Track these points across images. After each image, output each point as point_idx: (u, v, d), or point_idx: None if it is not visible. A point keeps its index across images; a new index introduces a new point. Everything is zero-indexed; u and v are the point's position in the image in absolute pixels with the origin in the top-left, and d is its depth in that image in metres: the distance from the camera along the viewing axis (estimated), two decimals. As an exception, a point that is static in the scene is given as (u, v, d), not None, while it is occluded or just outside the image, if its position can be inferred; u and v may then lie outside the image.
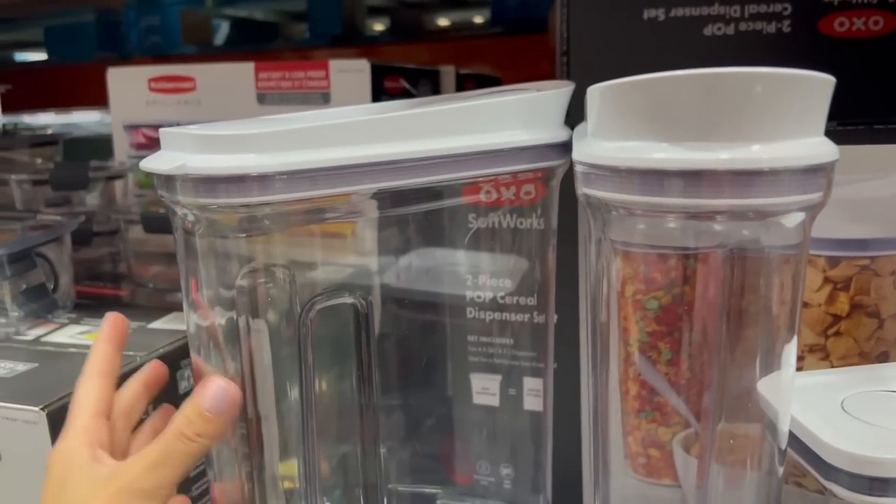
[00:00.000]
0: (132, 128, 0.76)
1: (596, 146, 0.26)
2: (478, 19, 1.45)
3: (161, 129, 0.32)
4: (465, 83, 0.85)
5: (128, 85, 0.75)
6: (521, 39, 1.19)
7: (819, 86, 0.25)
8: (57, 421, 0.42)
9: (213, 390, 0.33)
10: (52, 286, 0.58)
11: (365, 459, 0.44)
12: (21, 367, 0.48)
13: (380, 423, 0.49)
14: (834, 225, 0.41)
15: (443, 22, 1.54)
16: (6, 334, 0.54)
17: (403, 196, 0.35)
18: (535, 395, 0.49)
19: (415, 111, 0.31)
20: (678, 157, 0.24)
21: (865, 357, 0.42)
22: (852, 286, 0.42)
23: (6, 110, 1.51)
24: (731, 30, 0.62)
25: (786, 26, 0.61)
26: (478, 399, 0.50)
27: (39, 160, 0.80)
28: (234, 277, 0.34)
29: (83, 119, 1.01)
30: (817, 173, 0.25)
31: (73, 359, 0.49)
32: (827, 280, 0.42)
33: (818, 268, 0.42)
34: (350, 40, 1.38)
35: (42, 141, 0.79)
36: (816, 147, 0.25)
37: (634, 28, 0.63)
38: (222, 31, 1.60)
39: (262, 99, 0.71)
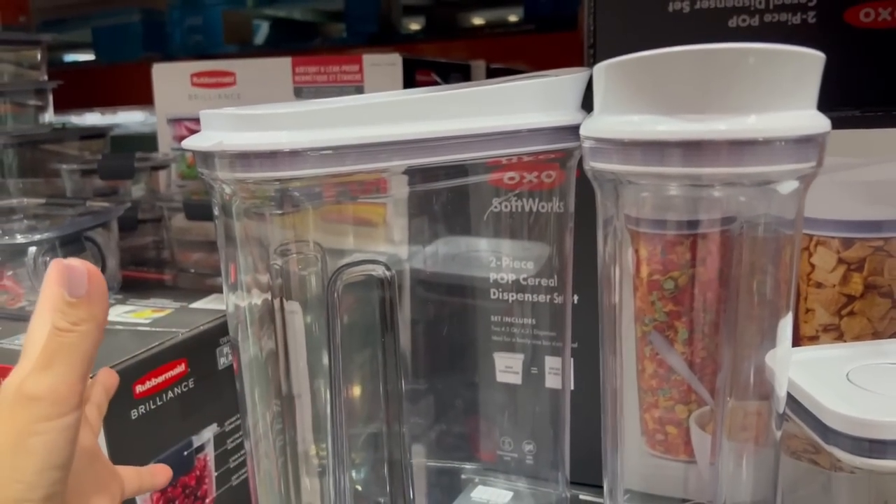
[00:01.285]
0: (175, 121, 0.79)
1: (601, 121, 0.28)
2: (512, 17, 1.47)
3: (201, 112, 0.34)
4: (497, 75, 0.86)
5: (171, 80, 0.79)
6: (555, 37, 1.20)
7: (810, 61, 0.26)
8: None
9: (70, 275, 0.29)
10: (100, 268, 0.61)
11: (390, 436, 0.47)
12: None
13: (409, 403, 0.51)
14: (848, 206, 0.42)
15: (477, 20, 1.56)
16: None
17: (430, 173, 0.37)
18: (555, 373, 0.51)
19: (437, 93, 0.33)
20: (678, 128, 0.26)
21: (879, 336, 0.43)
22: (866, 267, 0.42)
23: (57, 109, 1.57)
24: (755, 21, 0.63)
25: (811, 17, 0.62)
26: (501, 377, 0.52)
27: (88, 153, 0.83)
28: (269, 256, 0.36)
29: (128, 119, 1.05)
30: (809, 143, 0.26)
31: (119, 335, 0.52)
32: (841, 261, 0.43)
33: (832, 249, 0.43)
34: (386, 39, 1.41)
35: (91, 134, 0.82)
36: (809, 119, 0.27)
37: (659, 20, 0.64)
38: (262, 31, 1.64)
39: (298, 93, 0.73)
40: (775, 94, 0.26)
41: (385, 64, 0.70)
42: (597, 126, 0.28)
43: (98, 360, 0.47)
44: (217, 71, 0.76)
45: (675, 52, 0.26)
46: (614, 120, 0.27)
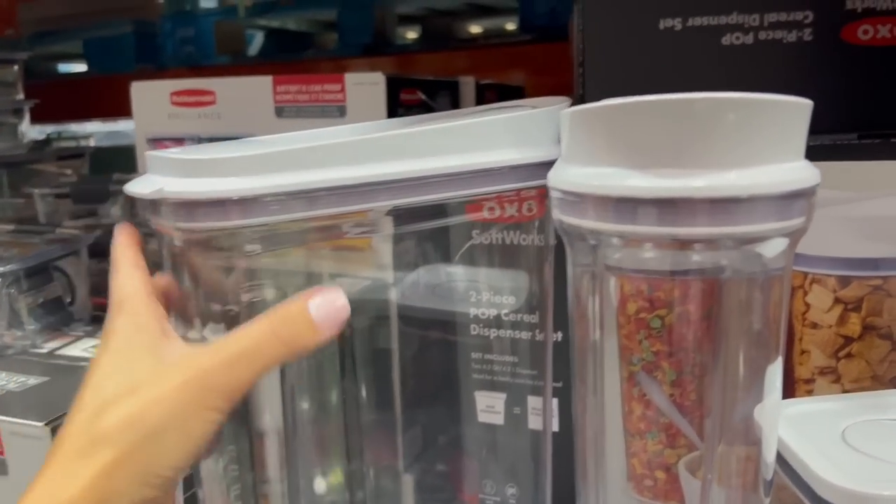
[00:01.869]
0: (155, 141, 0.77)
1: (568, 171, 0.26)
2: (510, 27, 1.45)
3: (147, 153, 0.32)
4: (486, 93, 0.84)
5: (151, 98, 0.77)
6: (552, 47, 1.18)
7: (795, 109, 0.24)
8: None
9: (326, 297, 0.29)
10: (69, 299, 0.59)
11: (352, 479, 0.44)
12: (32, 380, 0.49)
13: (392, 441, 0.49)
14: (845, 243, 0.40)
15: (475, 29, 1.54)
16: (22, 347, 0.55)
17: (402, 215, 0.35)
18: (538, 414, 0.48)
19: (393, 132, 0.31)
20: (652, 184, 0.23)
21: (878, 380, 0.41)
22: (864, 307, 0.40)
23: (51, 120, 1.55)
24: (749, 39, 0.61)
25: (807, 35, 0.60)
26: (483, 417, 0.49)
27: (70, 171, 0.81)
28: (224, 299, 0.34)
29: (127, 127, 1.03)
30: (797, 198, 0.24)
31: (79, 372, 0.50)
32: (838, 300, 0.40)
33: (828, 288, 0.40)
34: (381, 49, 1.39)
35: (69, 154, 0.80)
36: (796, 172, 0.24)
37: (650, 38, 0.62)
38: (257, 42, 1.62)
39: (280, 112, 0.71)
40: (758, 147, 0.23)
41: (368, 83, 0.67)
42: (563, 176, 0.26)
43: (53, 404, 0.45)
44: (197, 90, 0.74)
45: (648, 101, 0.24)
46: (582, 171, 0.25)
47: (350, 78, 0.68)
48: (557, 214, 0.26)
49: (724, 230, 0.24)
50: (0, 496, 0.46)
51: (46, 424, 0.43)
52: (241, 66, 1.50)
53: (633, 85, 0.63)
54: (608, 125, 0.24)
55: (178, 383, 0.27)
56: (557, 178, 0.26)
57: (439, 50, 1.43)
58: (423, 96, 0.73)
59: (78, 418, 0.28)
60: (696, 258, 0.26)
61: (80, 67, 1.69)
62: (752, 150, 0.23)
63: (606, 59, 0.63)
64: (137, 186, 0.30)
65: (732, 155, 0.23)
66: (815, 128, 0.57)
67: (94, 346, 0.55)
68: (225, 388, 0.27)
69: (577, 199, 0.25)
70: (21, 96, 0.78)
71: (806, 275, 0.41)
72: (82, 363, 0.52)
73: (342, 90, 0.68)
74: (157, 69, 1.50)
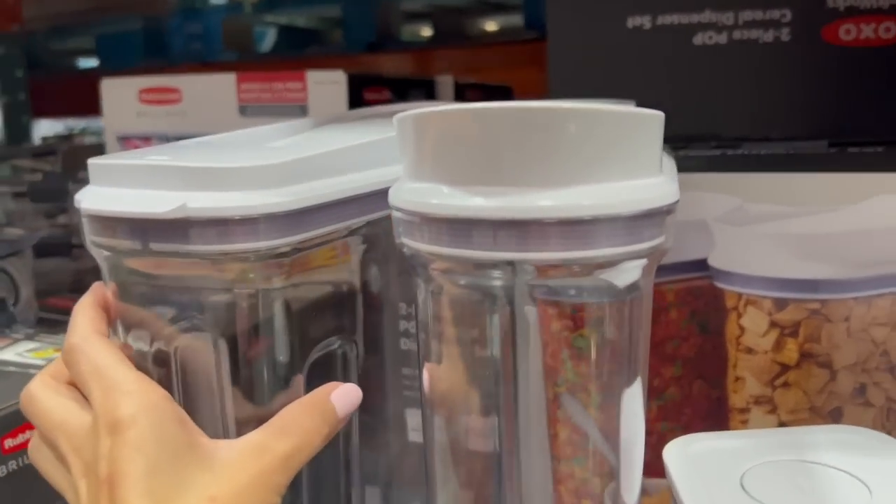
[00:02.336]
0: (124, 139, 0.76)
1: (407, 188, 0.23)
2: (519, 23, 1.42)
3: (91, 161, 0.28)
4: (468, 93, 0.81)
5: (120, 96, 0.76)
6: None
7: (646, 122, 0.21)
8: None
9: (345, 388, 0.29)
10: (12, 300, 0.58)
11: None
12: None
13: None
14: (781, 262, 0.37)
15: (488, 27, 1.52)
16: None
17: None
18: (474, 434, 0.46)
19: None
20: (486, 204, 0.21)
21: (816, 413, 0.37)
22: (801, 332, 0.37)
23: (65, 115, 1.56)
24: (723, 38, 0.57)
25: (785, 34, 0.56)
26: (413, 437, 0.47)
27: (49, 168, 0.81)
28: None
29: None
30: (649, 219, 0.21)
31: (10, 377, 0.49)
32: (774, 324, 0.37)
33: (763, 310, 0.37)
34: (385, 46, 1.37)
35: (43, 151, 0.80)
36: (648, 189, 0.21)
37: (619, 36, 0.59)
38: (267, 38, 1.62)
39: (243, 111, 0.70)
40: (605, 163, 0.20)
41: (329, 82, 0.65)
42: (401, 194, 0.23)
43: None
44: (163, 87, 0.73)
45: (482, 109, 0.21)
46: (414, 187, 0.22)
47: (311, 76, 0.66)
48: (400, 238, 0.24)
49: (564, 255, 0.21)
50: None
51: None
52: (247, 62, 1.49)
53: (600, 86, 0.60)
54: (444, 134, 0.22)
55: (243, 486, 0.25)
56: (397, 196, 0.23)
57: (445, 47, 1.41)
58: (390, 96, 0.70)
59: None
60: (549, 283, 0.23)
61: (94, 63, 1.70)
62: (599, 166, 0.21)
63: (572, 58, 0.60)
64: (113, 204, 0.26)
65: (574, 171, 0.21)
66: (789, 134, 0.54)
67: (28, 351, 0.54)
68: (281, 488, 0.26)
69: (411, 219, 0.22)
70: (-6, 93, 0.77)
71: (740, 295, 0.38)
72: (10, 367, 0.51)
73: (304, 89, 0.67)
74: (165, 65, 1.50)
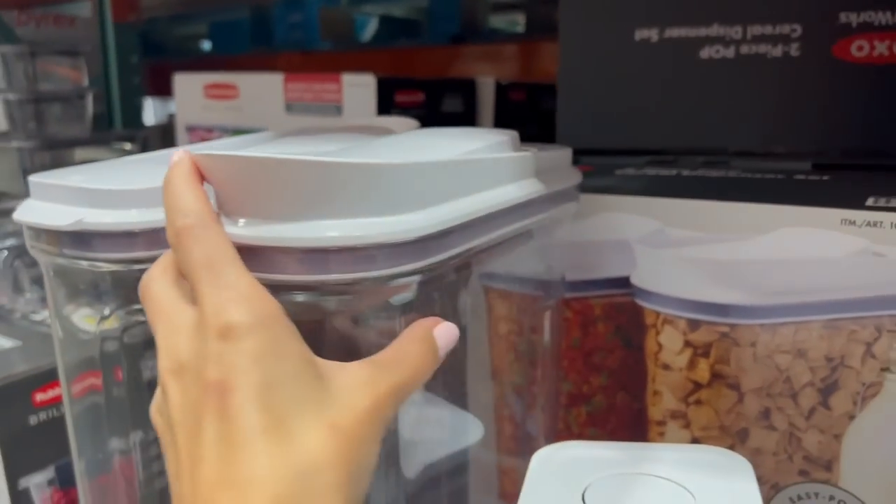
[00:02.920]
0: (191, 129, 0.84)
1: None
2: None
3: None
4: (510, 93, 0.84)
5: (188, 90, 0.83)
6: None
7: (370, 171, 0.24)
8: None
9: (446, 325, 0.27)
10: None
11: None
12: (9, 343, 0.56)
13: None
14: (695, 285, 0.38)
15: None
16: (23, 313, 0.62)
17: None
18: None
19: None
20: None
21: (725, 431, 0.39)
22: (712, 353, 0.38)
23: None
24: (731, 52, 0.58)
25: (794, 49, 0.56)
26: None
27: (128, 145, 0.90)
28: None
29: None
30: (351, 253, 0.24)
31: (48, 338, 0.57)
32: (688, 343, 0.39)
33: (679, 330, 0.39)
34: (469, 38, 1.39)
35: (125, 136, 0.89)
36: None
37: (626, 49, 0.60)
38: (368, 28, 1.68)
39: (289, 108, 0.75)
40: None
41: (360, 85, 0.70)
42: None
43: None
44: (224, 84, 0.80)
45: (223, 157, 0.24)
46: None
47: (346, 79, 0.71)
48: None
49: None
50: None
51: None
52: (341, 51, 1.56)
53: (607, 97, 0.62)
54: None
55: (360, 415, 0.23)
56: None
57: (537, 39, 1.42)
58: (423, 98, 0.74)
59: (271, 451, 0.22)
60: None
61: (207, 48, 1.83)
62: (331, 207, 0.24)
63: (581, 68, 0.62)
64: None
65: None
66: (796, 150, 0.54)
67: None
68: (389, 420, 0.25)
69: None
70: (86, 83, 0.87)
71: (658, 314, 0.40)
72: (80, 324, 0.59)
73: (339, 90, 0.71)
74: (270, 52, 1.60)
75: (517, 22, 1.57)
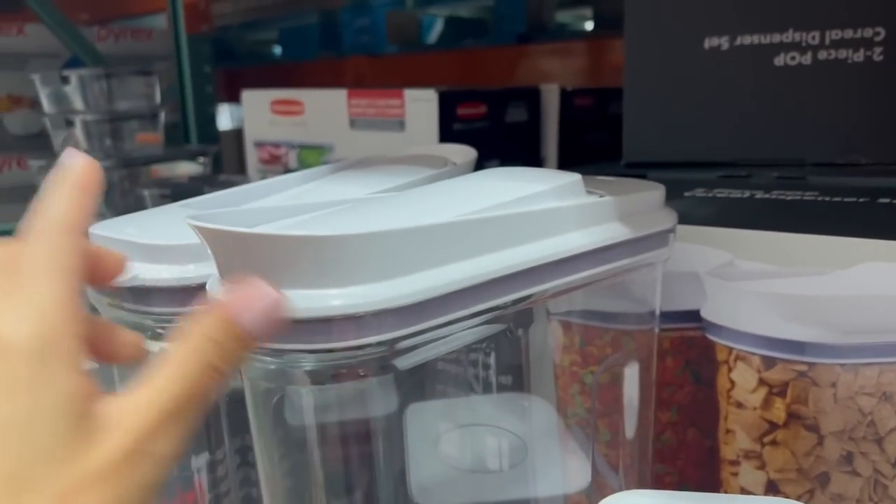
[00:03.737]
0: (259, 145, 0.85)
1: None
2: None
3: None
4: (575, 100, 0.82)
5: (256, 106, 0.84)
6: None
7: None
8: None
9: (251, 299, 0.22)
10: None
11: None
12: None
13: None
14: (769, 321, 0.36)
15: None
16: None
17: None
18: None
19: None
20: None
21: (804, 475, 0.37)
22: (789, 393, 0.36)
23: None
24: (807, 59, 0.55)
25: (877, 54, 0.53)
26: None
27: (201, 159, 0.92)
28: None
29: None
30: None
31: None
32: (762, 382, 0.37)
33: (752, 367, 0.37)
34: (536, 37, 1.37)
35: (200, 152, 0.91)
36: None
37: (695, 57, 0.58)
38: (434, 30, 1.67)
39: (353, 124, 0.76)
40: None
41: (423, 99, 0.70)
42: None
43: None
44: (289, 100, 0.81)
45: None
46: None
47: (408, 94, 0.71)
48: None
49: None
50: None
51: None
52: (407, 54, 1.56)
53: (676, 108, 0.59)
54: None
55: (111, 461, 0.20)
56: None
57: (608, 36, 1.39)
58: (486, 110, 0.73)
59: None
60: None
61: (277, 53, 1.85)
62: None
63: (648, 78, 0.60)
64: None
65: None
66: (880, 160, 0.51)
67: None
68: (171, 451, 0.21)
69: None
70: (158, 101, 0.89)
71: (730, 350, 0.38)
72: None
73: (402, 105, 0.71)
74: (337, 57, 1.61)
75: (585, 17, 1.54)
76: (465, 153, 0.40)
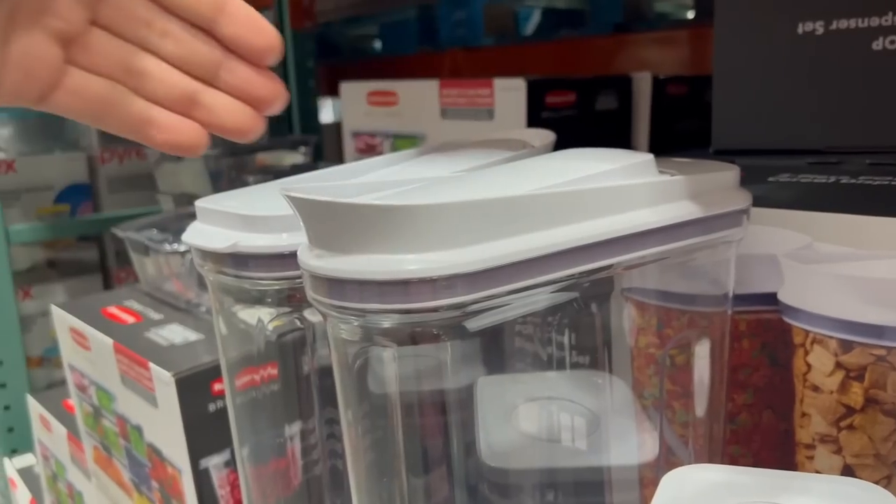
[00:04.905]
0: (356, 134, 0.89)
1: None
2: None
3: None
4: (668, 89, 0.82)
5: (353, 97, 0.88)
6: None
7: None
8: (184, 386, 0.55)
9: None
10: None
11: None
12: (193, 336, 0.63)
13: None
14: (847, 304, 0.36)
15: None
16: (207, 308, 0.69)
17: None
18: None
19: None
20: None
21: (882, 461, 0.36)
22: (867, 377, 0.36)
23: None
24: (908, 43, 0.53)
25: None
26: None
27: (302, 149, 0.96)
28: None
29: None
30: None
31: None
32: (839, 365, 0.37)
33: (829, 350, 0.37)
34: (634, 27, 1.36)
35: (301, 141, 0.95)
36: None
37: (788, 43, 0.57)
38: (530, 20, 1.68)
39: (444, 113, 0.78)
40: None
41: (511, 88, 0.71)
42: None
43: (190, 356, 0.57)
44: (384, 91, 0.84)
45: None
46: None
47: (497, 83, 0.72)
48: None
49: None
50: (152, 424, 0.60)
51: (173, 376, 0.55)
52: (504, 46, 1.57)
53: (767, 94, 0.59)
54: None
55: None
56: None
57: (699, 24, 1.36)
58: (575, 98, 0.74)
59: None
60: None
61: (378, 48, 1.90)
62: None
63: (738, 64, 0.59)
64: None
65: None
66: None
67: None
68: None
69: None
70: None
71: (807, 333, 0.38)
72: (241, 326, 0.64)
73: (491, 95, 0.73)
74: (435, 50, 1.64)
75: (685, 5, 1.51)
76: (543, 136, 0.42)
